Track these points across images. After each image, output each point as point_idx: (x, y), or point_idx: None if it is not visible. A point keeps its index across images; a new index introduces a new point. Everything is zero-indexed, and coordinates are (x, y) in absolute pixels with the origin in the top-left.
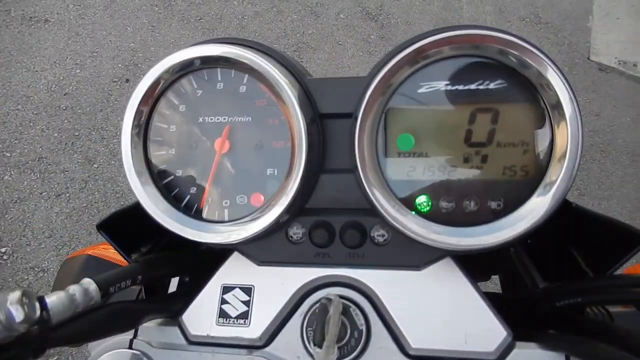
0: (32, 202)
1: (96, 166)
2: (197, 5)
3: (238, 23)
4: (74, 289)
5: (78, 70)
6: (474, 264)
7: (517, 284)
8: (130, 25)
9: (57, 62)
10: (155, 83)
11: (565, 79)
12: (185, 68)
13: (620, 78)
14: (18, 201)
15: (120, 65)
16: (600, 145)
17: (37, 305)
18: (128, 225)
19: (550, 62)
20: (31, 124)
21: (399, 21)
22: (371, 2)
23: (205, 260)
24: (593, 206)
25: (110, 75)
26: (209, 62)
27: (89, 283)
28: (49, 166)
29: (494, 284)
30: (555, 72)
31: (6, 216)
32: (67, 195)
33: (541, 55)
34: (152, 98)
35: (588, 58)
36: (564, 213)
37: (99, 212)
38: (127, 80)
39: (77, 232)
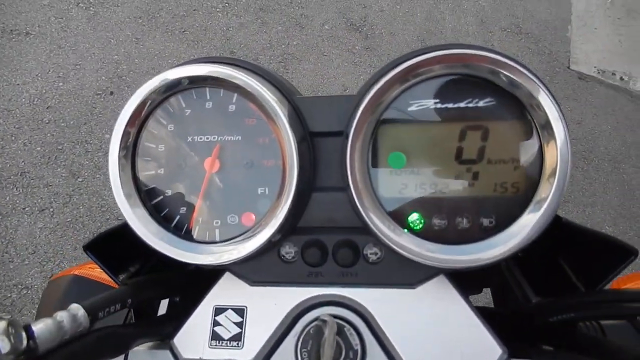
0: (15, 218)
1: (81, 180)
2: (181, 17)
3: (223, 35)
4: (61, 315)
5: (61, 83)
6: (466, 278)
7: (508, 296)
8: (114, 37)
9: (39, 75)
10: (142, 104)
11: (555, 100)
12: (173, 88)
13: (599, 87)
14: (0, 217)
15: (104, 77)
16: (583, 152)
17: (24, 334)
18: (116, 245)
19: (540, 84)
20: (13, 138)
21: (383, 32)
22: (355, 13)
23: (195, 281)
24: (577, 213)
25: (94, 87)
26: (196, 81)
27: (77, 309)
28: (32, 181)
29: (486, 298)
30: (546, 93)
31: None
32: (51, 210)
33: (532, 77)
34: (140, 119)
35: (568, 67)
36: (554, 228)
37: (84, 226)
38: (112, 93)
39: (61, 247)
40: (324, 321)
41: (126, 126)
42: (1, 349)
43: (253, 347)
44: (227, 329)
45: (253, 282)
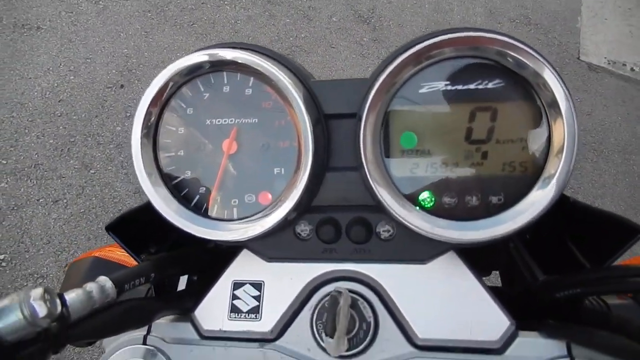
0: (30, 209)
1: (93, 172)
2: (190, 11)
3: (231, 27)
4: (90, 286)
5: (72, 77)
6: (475, 259)
7: (517, 279)
8: (123, 31)
9: (51, 69)
10: (165, 86)
11: (561, 78)
12: (195, 71)
13: (610, 77)
14: (15, 208)
15: (114, 71)
16: (593, 144)
17: (58, 301)
18: (136, 227)
19: (546, 63)
20: (26, 130)
21: (391, 24)
22: (363, 5)
23: (214, 259)
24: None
25: (105, 81)
26: (217, 65)
27: (105, 281)
28: (45, 172)
29: (496, 281)
30: (551, 71)
31: (4, 223)
32: (65, 201)
33: (538, 56)
34: (161, 101)
35: (578, 58)
36: (562, 207)
37: (97, 217)
38: (122, 86)
39: (75, 237)
40: (339, 292)
41: (149, 106)
42: (38, 312)
43: (270, 319)
44: (246, 302)
45: (270, 258)
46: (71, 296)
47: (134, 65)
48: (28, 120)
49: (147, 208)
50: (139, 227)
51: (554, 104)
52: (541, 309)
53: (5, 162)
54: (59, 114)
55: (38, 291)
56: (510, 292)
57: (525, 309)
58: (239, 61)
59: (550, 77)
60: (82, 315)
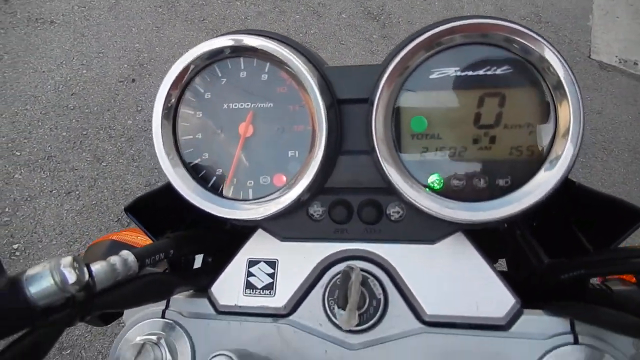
0: (43, 200)
1: (105, 164)
2: (200, 7)
3: (241, 23)
4: (114, 259)
5: (85, 71)
6: (482, 246)
7: (522, 265)
8: (135, 26)
9: (64, 62)
10: (186, 69)
11: (565, 61)
12: (215, 56)
13: (621, 76)
14: (29, 199)
15: (126, 65)
16: (603, 142)
17: (85, 270)
18: (154, 209)
19: (550, 47)
20: (40, 123)
21: (401, 20)
22: (373, 2)
23: (229, 239)
24: None
25: (117, 75)
26: (236, 51)
27: (127, 254)
28: (58, 164)
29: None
30: (556, 55)
31: (17, 214)
32: (77, 192)
33: (542, 41)
34: (181, 84)
35: (589, 56)
36: (567, 192)
37: (108, 209)
38: (133, 80)
39: (87, 228)
40: (351, 268)
41: (170, 88)
42: (68, 279)
43: (284, 296)
44: (260, 279)
45: (283, 238)
46: (96, 267)
47: (145, 59)
48: (41, 113)
49: (165, 190)
50: (156, 209)
51: (559, 86)
52: (546, 291)
53: (19, 153)
54: (72, 107)
55: (68, 259)
56: (516, 276)
57: (530, 292)
58: (262, 48)
59: (554, 60)
60: (105, 286)
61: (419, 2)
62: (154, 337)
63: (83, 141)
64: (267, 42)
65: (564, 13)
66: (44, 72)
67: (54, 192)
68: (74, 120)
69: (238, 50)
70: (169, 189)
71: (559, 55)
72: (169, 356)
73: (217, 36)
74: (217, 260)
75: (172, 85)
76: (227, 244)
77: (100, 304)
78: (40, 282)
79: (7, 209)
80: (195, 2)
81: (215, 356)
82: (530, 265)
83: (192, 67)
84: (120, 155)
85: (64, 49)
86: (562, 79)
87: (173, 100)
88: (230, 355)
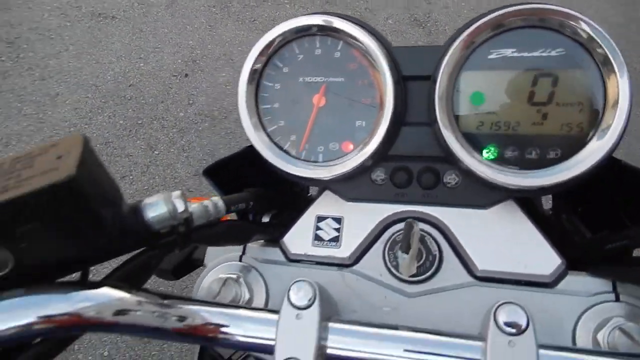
0: None
1: (157, 153)
2: (252, 8)
3: None
4: (207, 202)
5: (142, 64)
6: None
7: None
8: (190, 24)
9: (123, 55)
10: (273, 41)
11: (611, 39)
12: (302, 32)
13: None
14: None
15: (179, 60)
16: None
17: (188, 205)
18: (228, 174)
19: (598, 27)
20: (99, 111)
21: (447, 28)
22: (419, 9)
23: (294, 200)
24: None
25: (171, 69)
26: (322, 30)
27: (217, 199)
28: (114, 150)
29: None
30: (603, 34)
31: None
32: (131, 177)
33: (590, 22)
34: (268, 53)
35: None
36: (612, 170)
37: None
38: (186, 75)
39: None
40: (413, 221)
41: (258, 55)
42: (178, 208)
43: (348, 248)
44: (327, 233)
45: (349, 198)
46: (194, 206)
47: (198, 56)
48: (101, 102)
49: (242, 154)
50: (229, 173)
51: (607, 62)
52: (590, 262)
53: None
54: (129, 98)
55: (178, 192)
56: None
57: (575, 263)
58: (345, 30)
59: (602, 38)
60: (199, 224)
61: (466, 11)
62: (234, 276)
63: (138, 130)
64: (349, 25)
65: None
66: (104, 63)
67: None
68: (130, 110)
69: (322, 30)
70: (246, 153)
71: (606, 35)
72: (247, 292)
73: (305, 14)
74: (284, 216)
75: (260, 53)
76: (294, 203)
77: (194, 238)
78: (156, 209)
79: None
80: (247, 3)
81: (297, 282)
82: (574, 245)
83: (279, 39)
84: (172, 145)
85: (123, 43)
86: (609, 54)
87: (259, 65)
88: (311, 282)
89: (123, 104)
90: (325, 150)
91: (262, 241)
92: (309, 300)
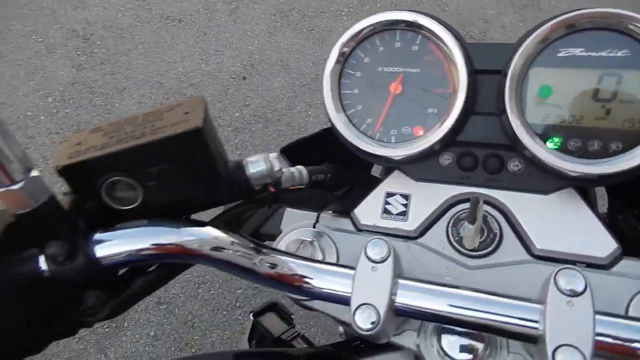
0: None
1: None
2: (310, 18)
3: None
4: (293, 169)
5: (203, 65)
6: None
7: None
8: (250, 30)
9: (187, 56)
10: (363, 29)
11: None
12: (390, 25)
13: None
14: None
15: (238, 64)
16: None
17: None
18: (302, 153)
19: None
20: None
21: None
22: (475, 27)
23: (364, 178)
24: None
25: (230, 72)
26: (410, 25)
27: (302, 168)
28: None
29: None
30: None
31: None
32: None
33: None
34: (356, 39)
35: None
36: None
37: None
38: (244, 78)
39: None
40: (478, 197)
41: (348, 40)
42: (274, 166)
43: (414, 222)
44: (395, 207)
45: (417, 179)
46: (284, 170)
47: (256, 61)
48: (164, 98)
49: (319, 135)
50: (304, 153)
51: None
52: None
53: None
54: (189, 96)
55: (275, 154)
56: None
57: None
58: (430, 27)
59: None
60: (285, 187)
61: (523, 32)
62: (309, 239)
63: None
64: (432, 22)
65: None
66: (169, 62)
67: None
68: None
69: (409, 25)
70: (323, 134)
71: None
72: (320, 254)
73: (394, 10)
74: (355, 193)
75: (350, 38)
76: (364, 184)
77: (281, 198)
78: (257, 166)
79: None
80: (306, 13)
81: (373, 239)
82: (630, 240)
83: (369, 29)
84: (226, 142)
85: (187, 45)
86: None
87: (346, 49)
88: (387, 239)
89: None
90: (398, 133)
91: (332, 212)
92: (385, 255)
